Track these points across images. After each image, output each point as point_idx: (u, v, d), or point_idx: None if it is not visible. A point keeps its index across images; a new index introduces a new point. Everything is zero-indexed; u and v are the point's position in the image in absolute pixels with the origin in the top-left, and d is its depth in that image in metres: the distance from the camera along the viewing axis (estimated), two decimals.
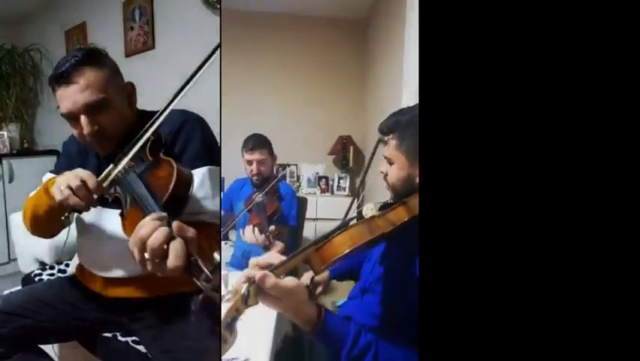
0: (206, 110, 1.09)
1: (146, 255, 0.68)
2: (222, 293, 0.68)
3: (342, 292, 1.45)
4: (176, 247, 0.67)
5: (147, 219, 0.71)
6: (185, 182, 0.84)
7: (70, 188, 0.83)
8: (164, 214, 0.72)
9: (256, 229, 1.65)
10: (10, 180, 2.84)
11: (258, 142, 1.88)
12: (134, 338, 1.10)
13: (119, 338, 1.11)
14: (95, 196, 0.86)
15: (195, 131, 1.00)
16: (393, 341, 0.79)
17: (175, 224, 0.70)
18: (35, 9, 3.05)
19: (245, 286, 0.68)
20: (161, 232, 0.68)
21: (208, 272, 0.64)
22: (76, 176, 0.84)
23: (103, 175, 0.88)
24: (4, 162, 2.83)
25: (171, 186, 0.80)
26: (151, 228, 0.68)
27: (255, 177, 1.87)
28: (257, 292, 0.68)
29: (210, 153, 1.01)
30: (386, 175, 0.94)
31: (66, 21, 2.86)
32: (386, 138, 0.93)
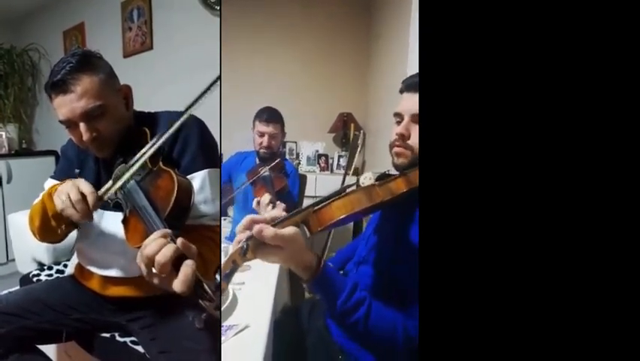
0: (205, 109, 1.09)
1: (154, 270, 0.70)
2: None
3: None
4: (186, 272, 0.68)
5: (153, 236, 0.72)
6: (186, 194, 0.84)
7: (69, 199, 0.83)
8: (169, 231, 0.73)
9: (271, 203, 1.61)
10: (9, 181, 2.84)
11: (273, 115, 1.84)
12: (132, 338, 1.10)
13: (118, 338, 1.11)
14: (95, 210, 0.86)
15: (194, 134, 1.00)
16: (385, 303, 0.80)
17: (179, 241, 0.70)
18: (34, 9, 3.05)
19: (244, 239, 0.69)
20: (169, 249, 0.69)
21: (211, 293, 0.65)
22: (76, 187, 0.84)
23: (103, 190, 0.88)
24: (2, 162, 2.82)
25: (173, 199, 0.80)
26: (158, 246, 0.70)
27: (263, 150, 1.84)
28: (255, 247, 0.69)
29: (210, 156, 1.01)
30: (407, 138, 0.88)
31: (64, 21, 2.86)
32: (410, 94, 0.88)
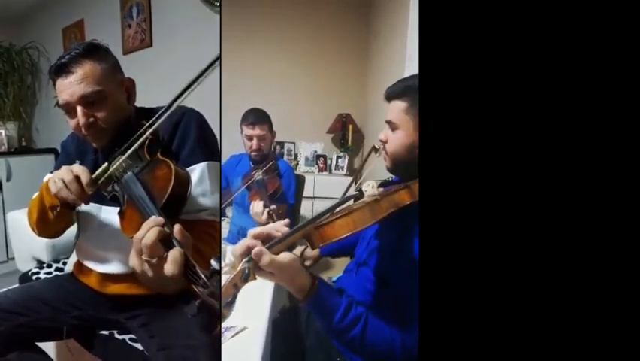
0: (205, 106, 1.09)
1: (144, 257, 0.69)
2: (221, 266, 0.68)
3: (338, 270, 1.45)
4: (174, 255, 0.67)
5: (146, 223, 0.71)
6: (183, 183, 0.84)
7: (62, 181, 0.85)
8: (161, 219, 0.72)
9: (265, 206, 1.60)
10: (8, 179, 2.84)
11: (258, 117, 1.80)
12: (131, 335, 1.09)
13: (117, 335, 1.11)
14: (89, 192, 0.87)
15: (193, 126, 1.00)
16: (382, 315, 0.80)
17: (176, 228, 0.70)
18: (33, 7, 3.04)
19: (243, 262, 0.69)
20: (154, 231, 0.68)
21: (205, 278, 0.64)
22: (70, 170, 0.86)
23: (98, 172, 0.89)
24: (2, 160, 2.82)
25: (169, 188, 0.80)
26: (146, 230, 0.69)
27: (254, 154, 1.81)
28: (254, 268, 0.69)
29: (209, 149, 1.01)
30: (385, 143, 0.92)
31: (63, 19, 2.85)
32: (390, 103, 0.92)
